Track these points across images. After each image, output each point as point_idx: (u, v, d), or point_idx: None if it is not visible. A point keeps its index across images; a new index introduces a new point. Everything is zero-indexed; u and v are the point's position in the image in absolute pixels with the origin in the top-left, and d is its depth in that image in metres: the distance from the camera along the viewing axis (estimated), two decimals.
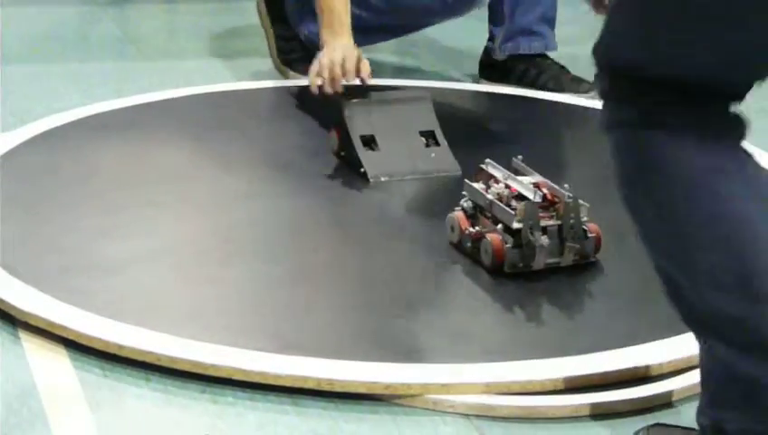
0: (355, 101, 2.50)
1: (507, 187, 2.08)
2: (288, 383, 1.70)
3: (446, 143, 2.49)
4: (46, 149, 2.55)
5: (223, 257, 2.08)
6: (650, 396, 1.70)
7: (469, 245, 2.06)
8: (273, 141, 2.66)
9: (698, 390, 1.71)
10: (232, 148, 2.60)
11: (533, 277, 2.01)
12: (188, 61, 3.37)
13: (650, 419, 1.67)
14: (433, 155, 2.48)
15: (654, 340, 1.80)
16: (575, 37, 3.77)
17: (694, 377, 1.74)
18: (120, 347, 1.76)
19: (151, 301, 1.92)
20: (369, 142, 2.46)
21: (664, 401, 1.70)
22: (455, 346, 1.81)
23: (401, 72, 3.34)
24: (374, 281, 2.02)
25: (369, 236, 2.18)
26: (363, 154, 2.44)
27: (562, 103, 2.96)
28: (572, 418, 1.67)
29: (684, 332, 1.81)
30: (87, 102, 2.87)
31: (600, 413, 1.68)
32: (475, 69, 3.19)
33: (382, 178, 2.42)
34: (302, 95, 2.93)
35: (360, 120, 2.47)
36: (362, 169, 2.42)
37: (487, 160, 2.15)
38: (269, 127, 2.77)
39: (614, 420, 1.67)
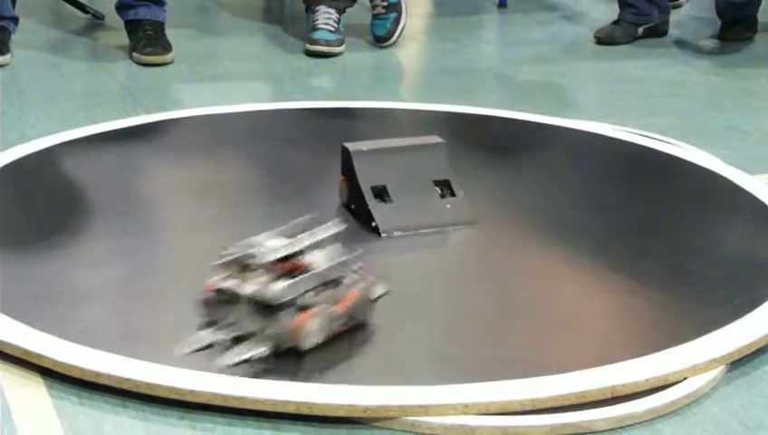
0: (365, 148, 2.35)
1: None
2: (267, 408, 1.69)
3: (462, 193, 2.34)
4: (18, 178, 2.54)
5: (199, 283, 2.07)
6: (628, 414, 1.71)
7: None
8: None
9: (675, 408, 1.73)
10: (208, 173, 2.60)
11: (514, 299, 2.02)
12: (162, 86, 3.37)
13: None
14: (449, 206, 2.33)
15: (630, 358, 1.81)
16: (547, 56, 3.80)
17: (671, 395, 1.75)
18: (97, 374, 1.75)
19: (127, 327, 1.91)
20: (381, 194, 2.31)
21: (641, 420, 1.71)
22: (432, 368, 1.81)
23: (375, 94, 3.35)
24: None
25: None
26: (374, 207, 2.29)
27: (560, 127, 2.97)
28: None
29: (660, 350, 1.83)
30: (60, 129, 2.86)
31: (578, 432, 1.68)
32: (453, 91, 3.20)
33: (395, 233, 2.28)
34: (282, 118, 2.93)
35: (370, 170, 2.32)
36: (374, 224, 2.28)
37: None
38: (250, 151, 2.76)
39: None
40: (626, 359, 1.80)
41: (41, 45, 3.75)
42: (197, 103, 3.14)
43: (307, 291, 1.82)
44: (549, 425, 1.68)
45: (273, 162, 2.67)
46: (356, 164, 2.32)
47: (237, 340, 1.81)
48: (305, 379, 1.73)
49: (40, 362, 1.80)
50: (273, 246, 1.86)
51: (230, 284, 1.84)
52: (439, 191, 2.34)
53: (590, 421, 1.69)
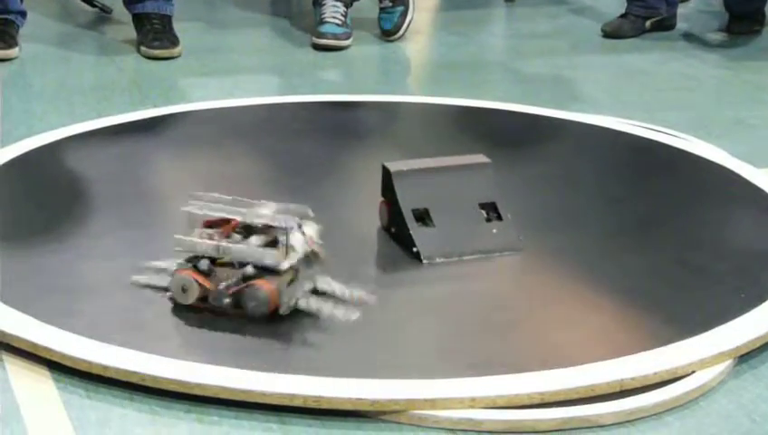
0: (406, 168, 2.20)
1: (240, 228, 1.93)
2: (274, 401, 1.69)
3: (509, 217, 2.19)
4: (26, 171, 2.54)
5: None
6: (636, 408, 1.71)
7: (228, 300, 1.89)
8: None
9: (683, 401, 1.73)
10: (216, 166, 2.60)
11: (521, 293, 2.01)
12: (169, 79, 3.37)
13: (635, 431, 1.67)
14: (495, 231, 2.18)
15: (639, 352, 1.80)
16: (555, 50, 3.79)
17: (679, 388, 1.75)
18: (104, 368, 1.76)
19: (135, 321, 1.91)
20: (423, 217, 2.17)
21: (650, 413, 1.71)
22: (439, 361, 1.81)
23: (383, 87, 3.35)
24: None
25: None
26: (416, 231, 2.14)
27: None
28: (558, 431, 1.67)
29: (668, 343, 1.83)
30: (67, 123, 2.86)
31: (587, 426, 1.68)
32: (460, 84, 3.19)
33: (438, 260, 2.14)
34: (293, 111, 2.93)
35: (412, 192, 2.18)
36: (415, 249, 2.13)
37: (191, 204, 1.97)
38: (258, 145, 2.76)
39: (599, 432, 1.67)
40: (634, 353, 1.80)
41: (49, 39, 3.75)
42: (205, 97, 3.14)
43: (210, 258, 1.92)
44: (557, 419, 1.68)
45: (282, 156, 2.67)
46: (397, 185, 2.18)
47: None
48: (313, 372, 1.73)
49: (48, 356, 1.80)
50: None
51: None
52: (485, 215, 2.19)
53: (599, 415, 1.69)
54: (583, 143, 2.82)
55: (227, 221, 1.94)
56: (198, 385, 1.71)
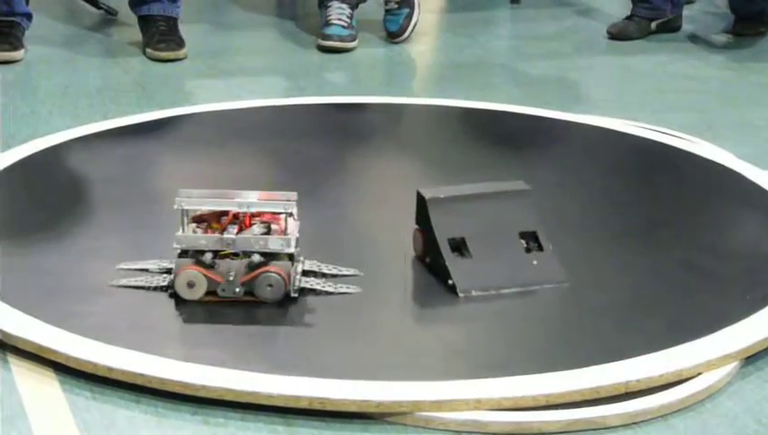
0: (442, 196, 2.11)
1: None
2: (279, 403, 1.69)
3: (550, 247, 2.09)
4: (31, 173, 2.55)
5: None
6: (641, 410, 1.70)
7: (239, 289, 1.93)
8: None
9: (689, 403, 1.73)
10: (221, 168, 2.61)
11: (526, 295, 2.02)
12: (175, 81, 3.37)
13: (640, 433, 1.67)
14: (535, 262, 2.08)
15: (644, 354, 1.80)
16: (560, 52, 3.79)
17: (684, 391, 1.75)
18: (110, 370, 1.76)
19: (140, 323, 1.92)
20: (459, 247, 2.06)
21: (655, 415, 1.71)
22: (445, 363, 1.81)
23: (388, 89, 3.35)
24: (364, 302, 2.02)
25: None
26: (452, 262, 2.04)
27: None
28: (564, 433, 1.67)
29: (674, 345, 1.83)
30: (73, 125, 2.87)
31: (592, 428, 1.68)
32: (466, 86, 3.19)
33: (474, 293, 2.04)
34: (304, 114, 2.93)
35: (448, 220, 2.08)
36: (450, 282, 2.04)
37: (180, 198, 1.99)
38: (264, 147, 2.77)
39: (605, 434, 1.67)
40: (640, 354, 1.80)
41: (54, 41, 3.76)
42: (210, 99, 3.14)
43: (214, 251, 1.94)
44: (562, 420, 1.68)
45: (287, 157, 2.67)
46: (432, 213, 2.08)
47: (165, 272, 2.01)
48: (318, 374, 1.73)
49: (53, 358, 1.80)
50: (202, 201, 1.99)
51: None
52: (525, 245, 2.09)
53: (604, 417, 1.69)
54: (588, 145, 2.82)
55: (216, 214, 1.99)
56: (204, 387, 1.71)
